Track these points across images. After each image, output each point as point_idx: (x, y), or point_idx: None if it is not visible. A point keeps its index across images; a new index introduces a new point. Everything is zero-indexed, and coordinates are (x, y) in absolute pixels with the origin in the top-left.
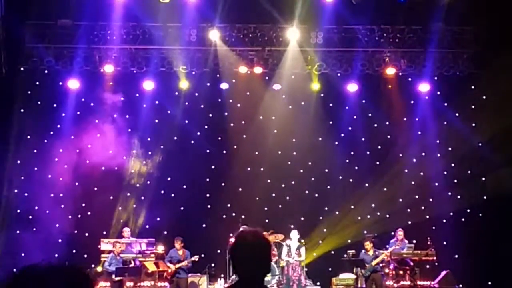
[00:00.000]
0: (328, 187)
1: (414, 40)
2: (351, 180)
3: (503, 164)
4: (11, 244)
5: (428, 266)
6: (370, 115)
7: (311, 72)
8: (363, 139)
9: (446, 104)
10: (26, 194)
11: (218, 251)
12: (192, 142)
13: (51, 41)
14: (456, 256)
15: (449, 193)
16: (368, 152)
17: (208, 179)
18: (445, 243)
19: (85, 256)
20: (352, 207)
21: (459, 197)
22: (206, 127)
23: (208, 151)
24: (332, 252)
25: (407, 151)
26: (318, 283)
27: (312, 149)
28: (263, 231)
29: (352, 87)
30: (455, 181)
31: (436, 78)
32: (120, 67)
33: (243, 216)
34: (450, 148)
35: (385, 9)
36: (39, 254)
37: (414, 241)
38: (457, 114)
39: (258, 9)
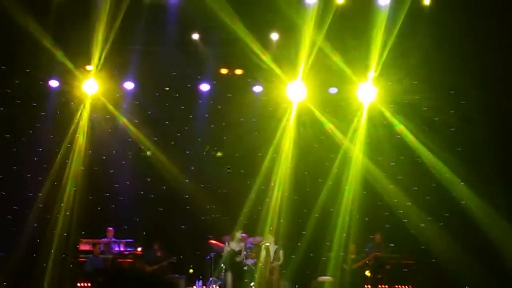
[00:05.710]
0: (308, 189)
1: None
2: (330, 182)
3: None
4: None
5: (405, 270)
6: None
7: None
8: None
9: None
10: (4, 193)
11: (197, 252)
12: (172, 143)
13: None
14: (434, 260)
15: (427, 198)
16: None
17: (187, 180)
18: (423, 247)
19: (64, 256)
20: (331, 209)
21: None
22: (186, 128)
23: (187, 152)
24: (311, 255)
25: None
26: (296, 286)
27: (292, 150)
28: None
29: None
30: (433, 185)
31: None
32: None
33: (222, 218)
34: None
35: None
36: (18, 254)
37: (392, 245)
38: None
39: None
